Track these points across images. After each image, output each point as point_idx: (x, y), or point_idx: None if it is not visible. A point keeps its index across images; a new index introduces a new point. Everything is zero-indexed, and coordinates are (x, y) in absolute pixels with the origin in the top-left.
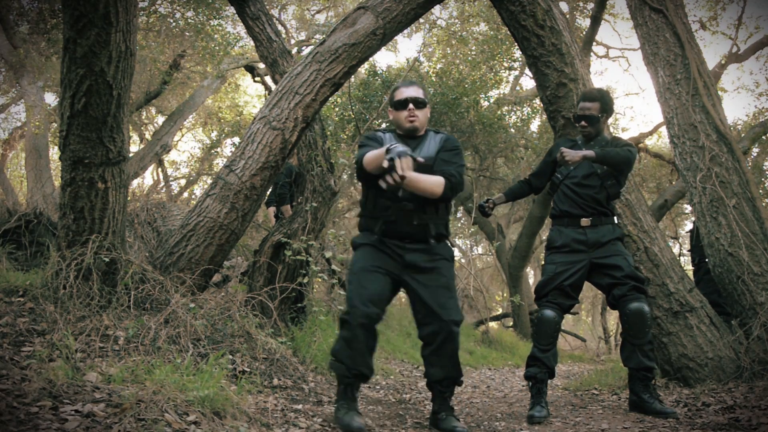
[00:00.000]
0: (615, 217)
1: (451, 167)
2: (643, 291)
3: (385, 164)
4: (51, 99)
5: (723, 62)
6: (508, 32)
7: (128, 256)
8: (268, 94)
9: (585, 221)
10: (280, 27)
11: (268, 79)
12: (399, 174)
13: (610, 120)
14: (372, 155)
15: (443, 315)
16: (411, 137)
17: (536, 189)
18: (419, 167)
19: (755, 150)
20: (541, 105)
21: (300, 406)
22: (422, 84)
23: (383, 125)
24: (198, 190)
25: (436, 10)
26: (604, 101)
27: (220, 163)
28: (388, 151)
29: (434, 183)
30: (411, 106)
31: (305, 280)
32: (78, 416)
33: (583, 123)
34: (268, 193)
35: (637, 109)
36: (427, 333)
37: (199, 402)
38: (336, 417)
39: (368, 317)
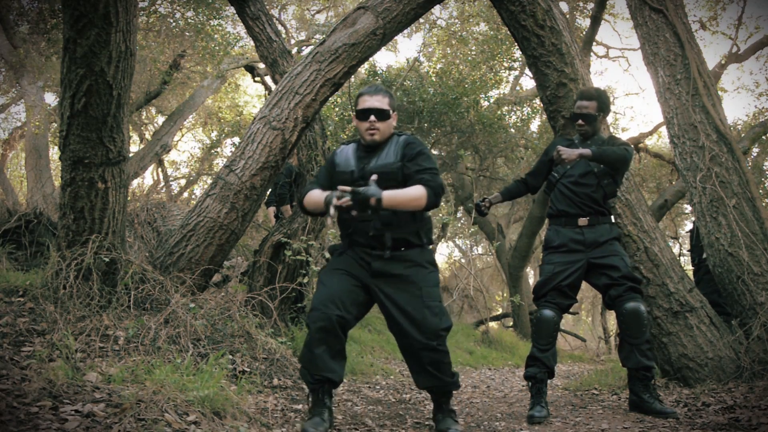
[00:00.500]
0: (612, 217)
1: (424, 174)
2: (639, 291)
3: (329, 217)
4: (51, 99)
5: (723, 62)
6: (508, 32)
7: (128, 256)
8: (268, 94)
9: (582, 221)
10: (280, 27)
11: (268, 79)
12: (331, 217)
13: (611, 120)
14: (311, 198)
15: (413, 333)
16: (371, 149)
17: (533, 188)
18: (379, 179)
19: (755, 150)
20: (541, 105)
21: (300, 406)
22: (388, 91)
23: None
24: (198, 190)
25: (436, 10)
26: (601, 100)
27: (220, 163)
28: (326, 203)
29: (415, 196)
30: (372, 117)
31: (305, 280)
32: (78, 416)
33: (580, 122)
34: (268, 193)
35: (637, 109)
36: (402, 346)
37: (199, 402)
38: (302, 424)
39: (328, 319)
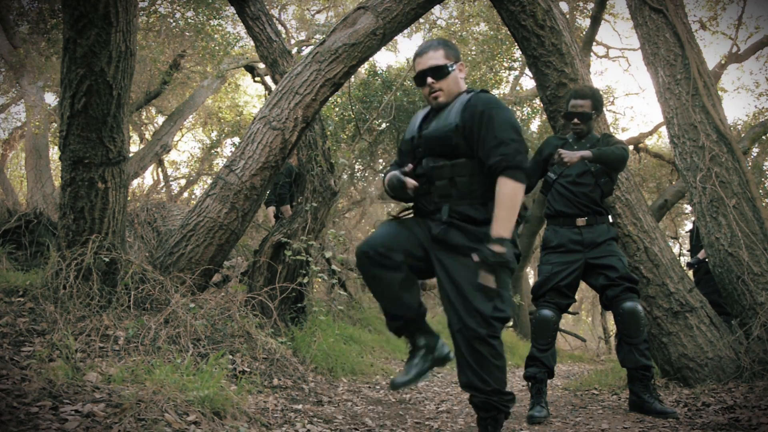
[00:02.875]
0: (609, 216)
1: (498, 153)
2: (636, 291)
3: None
4: (51, 99)
5: (723, 62)
6: (508, 32)
7: (128, 256)
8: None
9: (581, 221)
10: (280, 27)
11: (268, 79)
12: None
13: (610, 120)
14: (391, 179)
15: (461, 312)
16: (439, 110)
17: (527, 188)
18: (428, 144)
19: (755, 150)
20: (541, 105)
21: (300, 406)
22: (444, 41)
23: (383, 125)
24: (198, 190)
25: (436, 10)
26: (596, 98)
27: (220, 163)
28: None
29: (511, 199)
30: (430, 80)
31: (305, 280)
32: (78, 416)
33: (575, 120)
34: (268, 193)
35: (637, 109)
36: (451, 331)
37: (199, 402)
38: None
39: (375, 252)
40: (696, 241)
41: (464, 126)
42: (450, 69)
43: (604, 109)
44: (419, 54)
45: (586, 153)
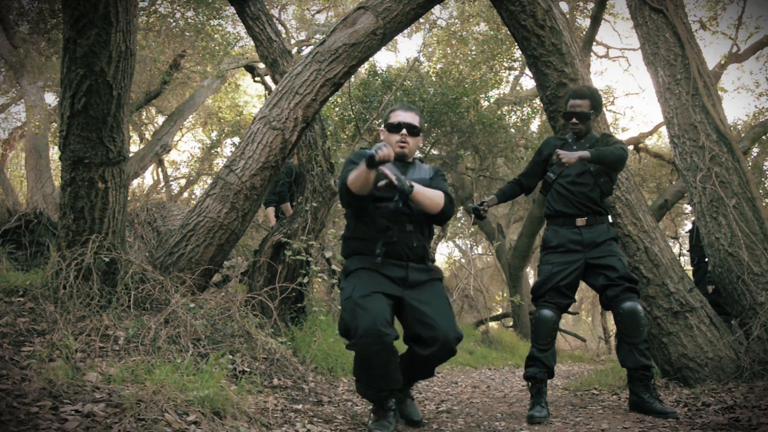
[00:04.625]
0: (609, 216)
1: (443, 189)
2: (636, 291)
3: (366, 164)
4: (51, 99)
5: (723, 62)
6: (508, 32)
7: (128, 256)
8: (268, 94)
9: (580, 221)
10: (280, 27)
11: (268, 79)
12: (380, 157)
13: (610, 120)
14: (354, 173)
15: (444, 326)
16: (399, 161)
17: (527, 189)
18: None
19: (755, 150)
20: (541, 105)
21: (300, 406)
22: (420, 112)
23: (383, 126)
24: (198, 190)
25: (436, 10)
26: (594, 98)
27: (220, 163)
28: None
29: (437, 195)
30: (404, 131)
31: (305, 280)
32: (78, 416)
33: (574, 120)
34: (267, 193)
35: (637, 109)
36: (424, 347)
37: (199, 402)
38: (368, 426)
39: (383, 342)
40: (696, 241)
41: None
42: (419, 132)
43: (604, 109)
44: (402, 109)
45: (585, 153)
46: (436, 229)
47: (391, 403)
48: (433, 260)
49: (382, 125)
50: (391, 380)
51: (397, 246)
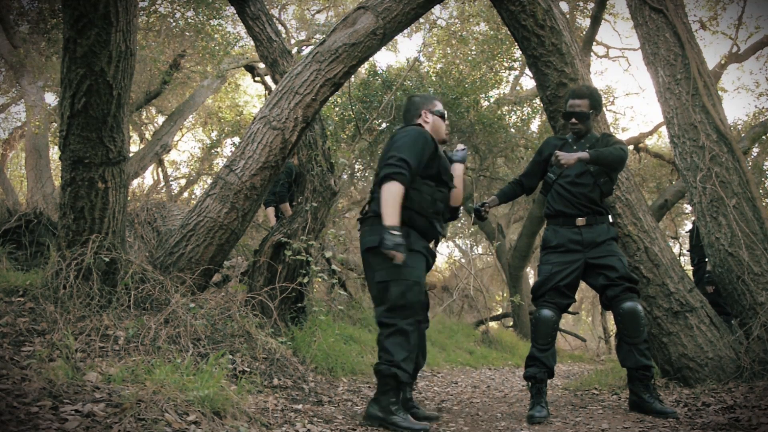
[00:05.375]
0: (609, 216)
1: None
2: (636, 291)
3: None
4: (51, 99)
5: (723, 62)
6: (508, 32)
7: (128, 256)
8: (268, 94)
9: (580, 221)
10: (280, 27)
11: (268, 79)
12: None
13: (611, 120)
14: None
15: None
16: (443, 144)
17: (528, 189)
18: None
19: (755, 150)
20: (541, 105)
21: (300, 406)
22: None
23: (383, 125)
24: (198, 190)
25: (436, 10)
26: (593, 98)
27: (220, 163)
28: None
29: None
30: (447, 122)
31: (305, 280)
32: (78, 416)
33: (573, 120)
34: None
35: (637, 109)
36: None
37: (199, 402)
38: (393, 420)
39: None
40: (696, 240)
41: None
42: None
43: (605, 109)
44: (439, 100)
45: (583, 155)
46: None
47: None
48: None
49: (429, 114)
50: (414, 364)
51: (435, 225)
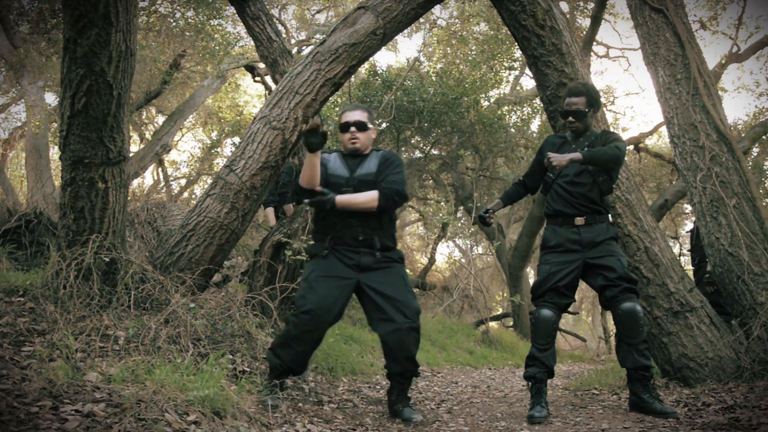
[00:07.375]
0: (609, 215)
1: (387, 178)
2: (635, 291)
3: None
4: (51, 99)
5: (723, 62)
6: (508, 32)
7: (128, 256)
8: (268, 94)
9: (579, 220)
10: (280, 27)
11: (268, 79)
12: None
13: (610, 120)
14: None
15: (398, 316)
16: (354, 156)
17: (532, 189)
18: (359, 184)
19: (755, 150)
20: (541, 105)
21: (300, 406)
22: (369, 108)
23: (383, 125)
24: (198, 190)
25: (436, 10)
26: (590, 95)
27: (220, 163)
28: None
29: (367, 198)
30: (353, 129)
31: None
32: (78, 416)
33: (570, 119)
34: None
35: (637, 109)
36: (385, 333)
37: (199, 402)
38: (263, 399)
39: (319, 326)
40: (696, 241)
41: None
42: (368, 126)
43: (605, 109)
44: (349, 110)
45: (576, 155)
46: (436, 229)
47: (286, 381)
48: (390, 248)
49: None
50: (302, 363)
51: (345, 237)
